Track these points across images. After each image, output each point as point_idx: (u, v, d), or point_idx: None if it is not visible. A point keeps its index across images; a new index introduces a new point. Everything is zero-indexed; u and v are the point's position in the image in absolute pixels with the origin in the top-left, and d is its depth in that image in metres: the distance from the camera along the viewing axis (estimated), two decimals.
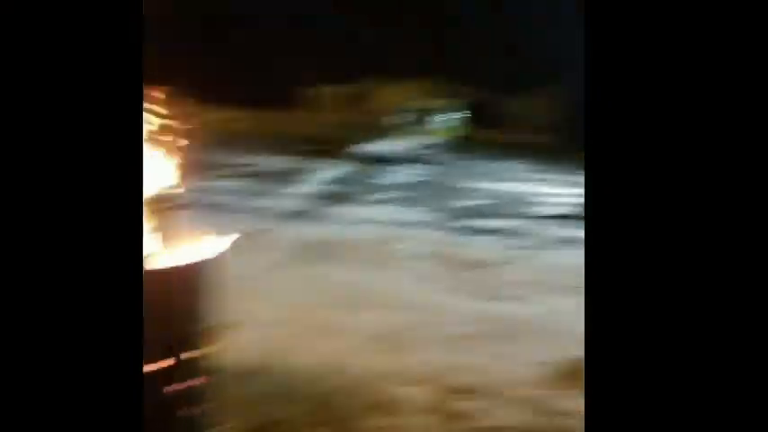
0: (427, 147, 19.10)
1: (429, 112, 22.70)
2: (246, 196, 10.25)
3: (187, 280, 2.65)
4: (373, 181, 13.65)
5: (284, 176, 13.28)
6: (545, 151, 22.25)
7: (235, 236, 2.78)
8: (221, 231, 2.76)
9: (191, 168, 2.93)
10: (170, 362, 2.54)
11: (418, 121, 21.84)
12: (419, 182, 14.03)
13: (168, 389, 2.55)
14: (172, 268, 2.60)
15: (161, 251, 2.63)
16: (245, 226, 7.51)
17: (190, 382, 2.62)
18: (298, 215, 9.01)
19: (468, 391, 3.53)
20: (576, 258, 5.72)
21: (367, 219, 9.08)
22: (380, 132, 19.31)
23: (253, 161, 15.59)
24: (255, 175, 13.00)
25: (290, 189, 11.47)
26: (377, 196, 11.32)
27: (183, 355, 2.59)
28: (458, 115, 23.26)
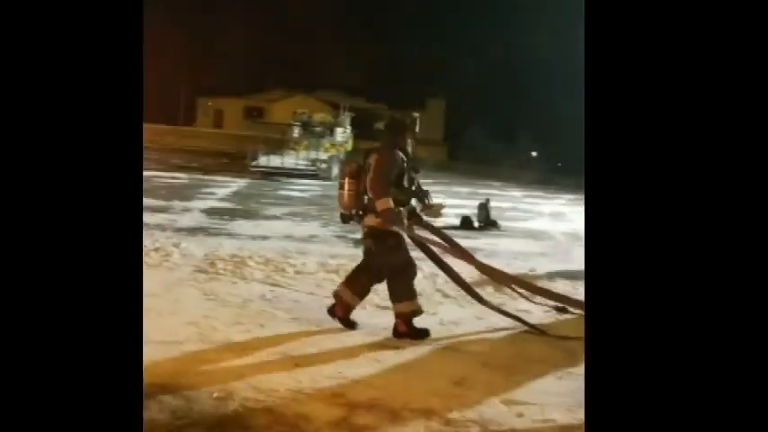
0: (320, 161, 19.38)
1: (322, 126, 22.32)
2: (144, 211, 10.14)
3: None
4: (270, 195, 14.12)
5: (183, 191, 13.81)
6: (430, 163, 23.85)
7: None
8: None
9: None
10: None
11: (313, 134, 21.44)
12: (313, 196, 14.33)
13: None
14: None
15: None
16: (143, 242, 7.39)
17: None
18: (197, 231, 9.03)
19: (372, 406, 3.38)
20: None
21: (266, 233, 8.95)
22: (276, 147, 19.36)
23: (150, 175, 16.13)
24: (153, 189, 13.33)
25: (189, 204, 11.79)
26: (273, 211, 11.69)
27: None
28: (347, 130, 22.89)
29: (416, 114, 4.99)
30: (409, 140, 4.81)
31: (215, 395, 3.38)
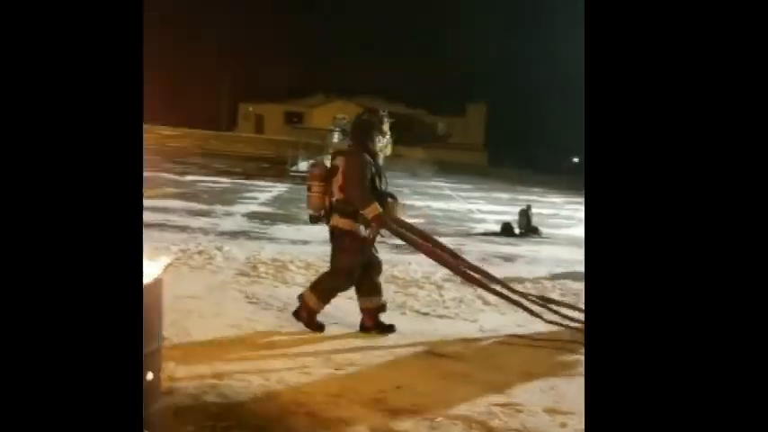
0: None
1: None
2: (187, 215, 10.36)
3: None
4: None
5: (225, 195, 13.77)
6: (472, 169, 24.38)
7: (167, 260, 2.75)
8: (161, 251, 2.84)
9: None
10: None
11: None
12: None
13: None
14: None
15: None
16: (186, 245, 7.58)
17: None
18: (239, 234, 8.94)
19: (412, 412, 3.38)
20: (513, 274, 5.74)
21: (306, 238, 8.86)
22: (317, 151, 19.07)
23: (193, 180, 16.45)
24: (196, 193, 13.46)
25: (231, 208, 11.77)
26: None
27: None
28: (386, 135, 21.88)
29: (384, 113, 4.96)
30: (377, 140, 4.76)
31: (257, 398, 3.42)
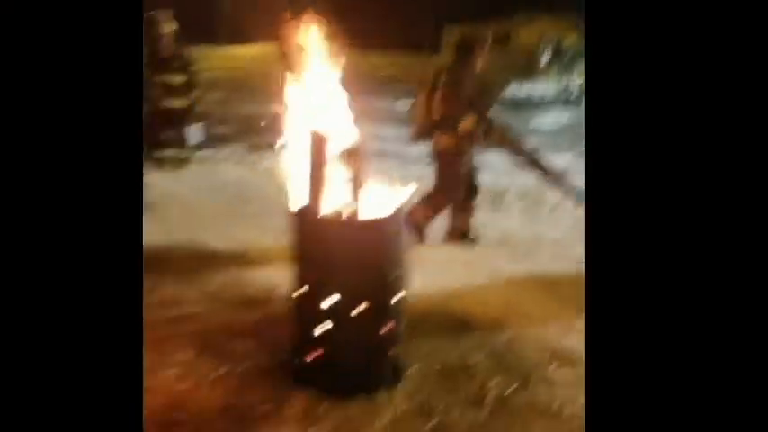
0: (573, 88, 17.26)
1: (574, 50, 18.65)
2: (400, 143, 9.80)
3: (387, 229, 2.84)
4: (521, 126, 12.19)
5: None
6: None
7: (413, 186, 2.95)
8: (392, 179, 2.93)
9: (358, 117, 3.06)
10: (376, 305, 2.77)
11: (563, 60, 18.43)
12: (567, 126, 13.13)
13: (379, 331, 2.79)
14: (373, 220, 2.84)
15: (354, 202, 2.79)
16: (407, 173, 7.01)
17: (393, 325, 2.84)
18: None
19: None
20: None
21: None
22: (526, 74, 17.41)
23: (405, 107, 14.57)
24: (407, 120, 12.16)
25: None
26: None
27: (386, 299, 2.82)
28: None
29: (489, 31, 4.87)
30: (479, 59, 4.85)
31: (489, 326, 3.63)
